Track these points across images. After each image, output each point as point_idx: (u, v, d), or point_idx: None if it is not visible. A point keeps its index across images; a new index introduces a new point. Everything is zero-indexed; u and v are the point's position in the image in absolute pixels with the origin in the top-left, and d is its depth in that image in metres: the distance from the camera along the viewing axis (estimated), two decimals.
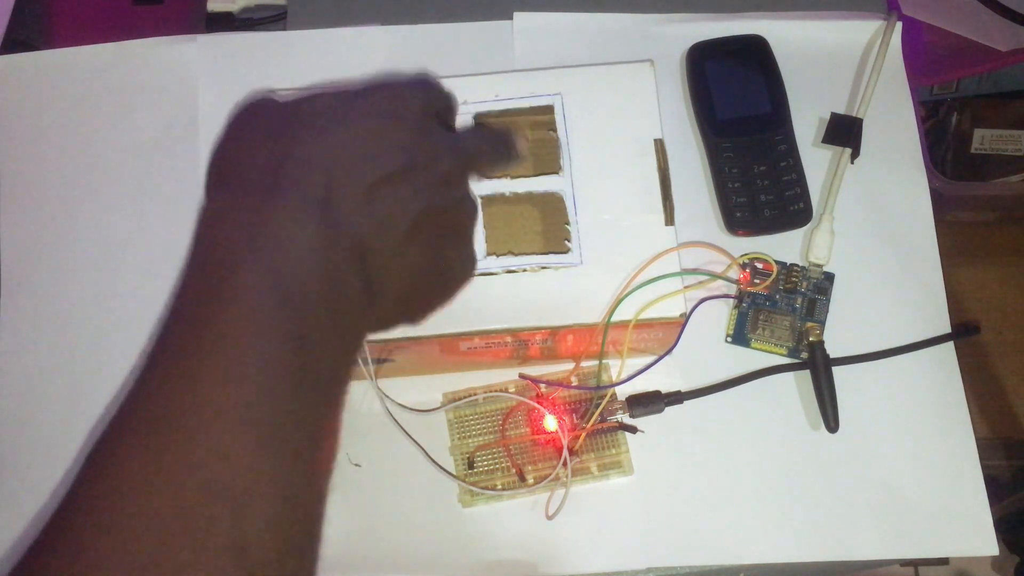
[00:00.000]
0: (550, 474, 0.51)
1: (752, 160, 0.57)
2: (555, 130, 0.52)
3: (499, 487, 0.51)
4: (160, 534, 0.24)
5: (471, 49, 0.62)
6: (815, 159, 0.59)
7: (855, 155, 0.58)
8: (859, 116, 0.58)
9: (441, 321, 0.48)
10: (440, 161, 0.33)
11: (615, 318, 0.48)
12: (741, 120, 0.58)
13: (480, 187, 0.51)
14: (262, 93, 0.33)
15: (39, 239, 0.57)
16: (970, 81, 0.71)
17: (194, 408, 0.25)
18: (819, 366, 0.53)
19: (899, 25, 0.61)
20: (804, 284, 0.55)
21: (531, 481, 0.51)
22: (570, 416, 0.52)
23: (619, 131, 0.51)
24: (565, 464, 0.50)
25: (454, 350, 0.50)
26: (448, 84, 0.36)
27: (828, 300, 0.55)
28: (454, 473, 0.51)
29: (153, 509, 0.24)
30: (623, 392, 0.52)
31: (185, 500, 0.24)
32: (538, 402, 0.52)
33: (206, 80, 0.60)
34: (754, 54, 0.60)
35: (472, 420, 0.52)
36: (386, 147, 0.31)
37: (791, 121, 0.58)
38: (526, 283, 0.49)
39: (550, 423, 0.51)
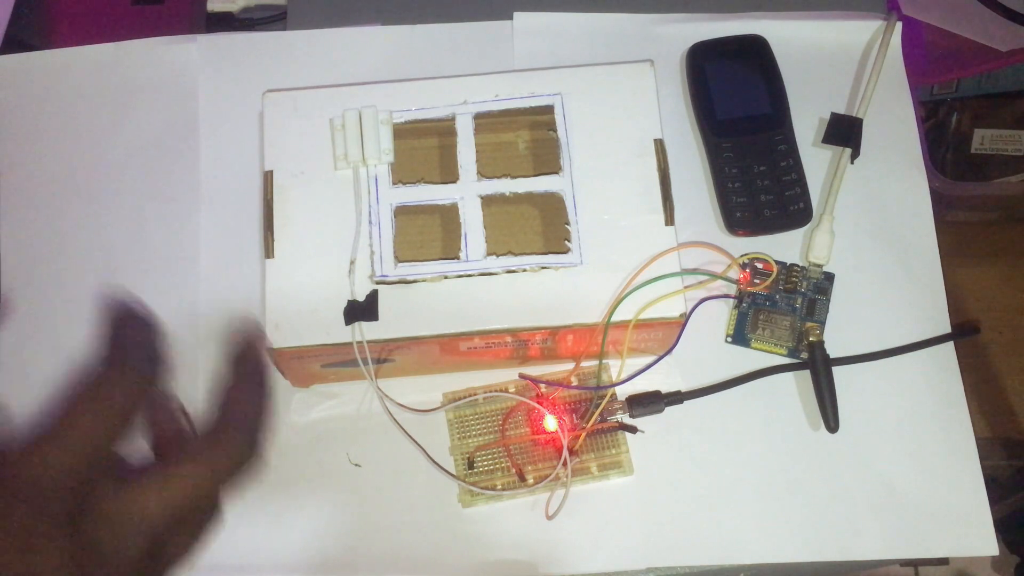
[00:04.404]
0: (550, 474, 0.51)
1: (752, 160, 0.57)
2: (555, 130, 0.52)
3: (499, 487, 0.51)
4: None
5: (471, 49, 0.62)
6: (815, 159, 0.59)
7: (855, 155, 0.58)
8: (859, 116, 0.58)
9: (441, 321, 0.48)
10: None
11: (615, 318, 0.48)
12: (741, 120, 0.58)
13: (480, 187, 0.51)
14: None
15: (39, 239, 0.58)
16: (970, 81, 0.71)
17: None
18: (819, 366, 0.53)
19: (899, 25, 0.61)
20: (804, 284, 0.55)
21: (531, 481, 0.51)
22: (570, 416, 0.52)
23: (619, 131, 0.51)
24: (565, 464, 0.50)
25: (454, 350, 0.50)
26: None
27: (828, 300, 0.55)
28: (454, 473, 0.51)
29: None
30: (623, 392, 0.52)
31: None
32: (538, 402, 0.52)
33: (206, 80, 0.60)
34: (754, 54, 0.60)
35: (472, 420, 0.52)
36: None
37: (791, 121, 0.58)
38: (526, 283, 0.49)
39: (550, 423, 0.51)
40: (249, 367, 0.33)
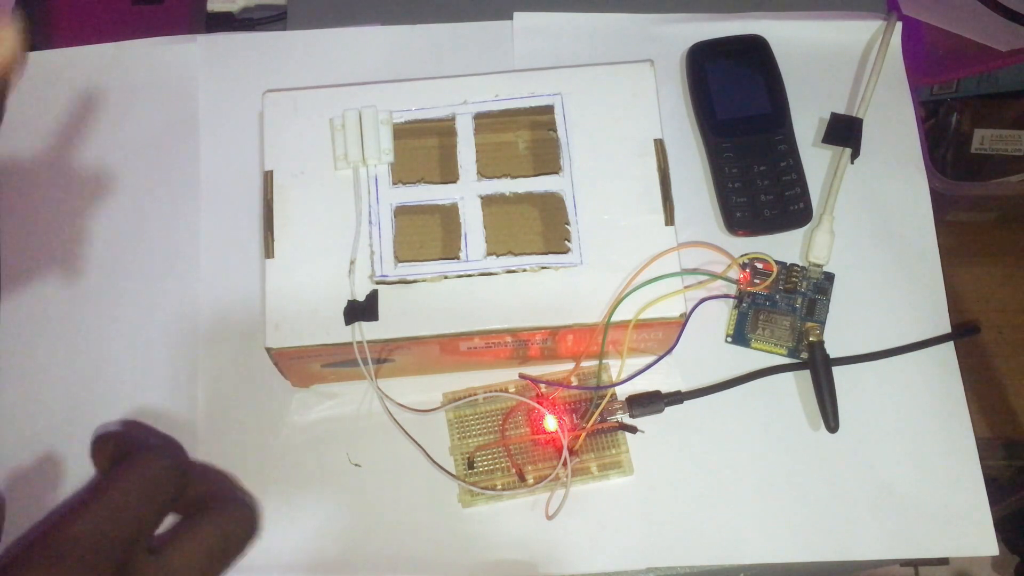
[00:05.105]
0: (550, 474, 0.51)
1: (752, 160, 0.57)
2: (555, 130, 0.52)
3: (499, 487, 0.51)
4: None
5: (471, 49, 0.62)
6: (815, 159, 0.59)
7: (855, 155, 0.58)
8: (859, 116, 0.58)
9: (441, 321, 0.48)
10: None
11: (615, 318, 0.48)
12: (741, 120, 0.58)
13: (480, 187, 0.51)
14: None
15: (39, 239, 0.58)
16: (970, 81, 0.71)
17: None
18: (819, 366, 0.53)
19: (899, 25, 0.61)
20: (804, 284, 0.55)
21: (531, 481, 0.51)
22: (570, 416, 0.52)
23: (619, 131, 0.51)
24: (565, 464, 0.50)
25: (454, 350, 0.50)
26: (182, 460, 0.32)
27: (828, 300, 0.55)
28: (454, 473, 0.51)
29: None
30: (623, 392, 0.52)
31: None
32: (538, 402, 0.52)
33: (206, 80, 0.60)
34: (754, 54, 0.60)
35: (472, 420, 0.52)
36: None
37: (791, 121, 0.58)
38: (526, 283, 0.49)
39: (550, 423, 0.51)
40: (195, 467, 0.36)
